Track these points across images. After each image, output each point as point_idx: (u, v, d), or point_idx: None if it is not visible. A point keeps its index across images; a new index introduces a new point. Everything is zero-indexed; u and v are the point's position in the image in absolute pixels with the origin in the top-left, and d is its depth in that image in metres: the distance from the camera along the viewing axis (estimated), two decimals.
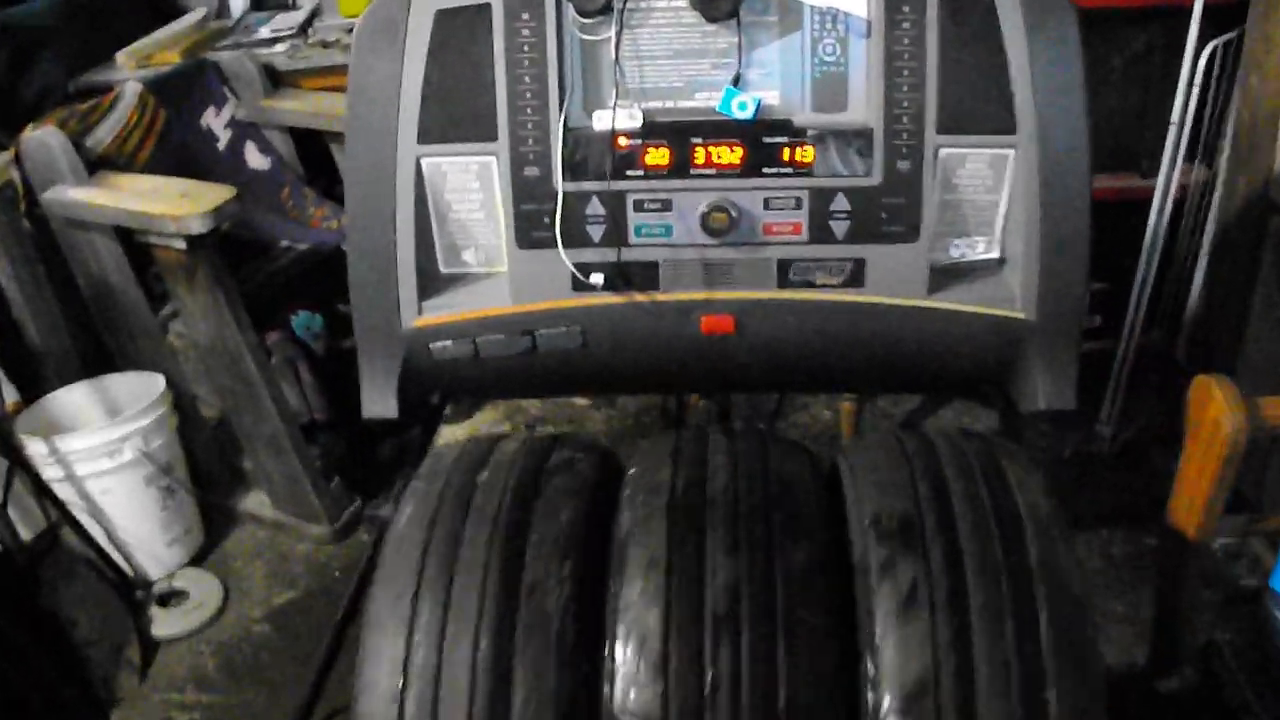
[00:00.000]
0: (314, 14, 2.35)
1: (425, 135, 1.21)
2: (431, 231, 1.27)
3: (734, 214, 1.20)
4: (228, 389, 2.07)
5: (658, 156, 1.20)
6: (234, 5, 2.67)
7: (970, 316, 1.26)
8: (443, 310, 1.27)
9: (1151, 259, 2.18)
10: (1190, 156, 2.13)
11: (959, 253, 1.29)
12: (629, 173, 1.20)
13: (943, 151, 1.20)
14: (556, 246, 1.22)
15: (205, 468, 2.27)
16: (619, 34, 1.18)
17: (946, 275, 1.27)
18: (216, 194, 1.84)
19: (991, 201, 1.25)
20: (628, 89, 1.20)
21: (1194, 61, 1.98)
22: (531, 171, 1.21)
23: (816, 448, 1.19)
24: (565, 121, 1.19)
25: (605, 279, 1.23)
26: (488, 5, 1.17)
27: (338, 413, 2.22)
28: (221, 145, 2.24)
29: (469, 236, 1.28)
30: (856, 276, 1.25)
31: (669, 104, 1.21)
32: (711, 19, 1.17)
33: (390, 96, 1.20)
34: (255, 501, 2.28)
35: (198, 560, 2.23)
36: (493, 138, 1.20)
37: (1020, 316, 1.25)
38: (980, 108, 1.19)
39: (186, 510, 2.19)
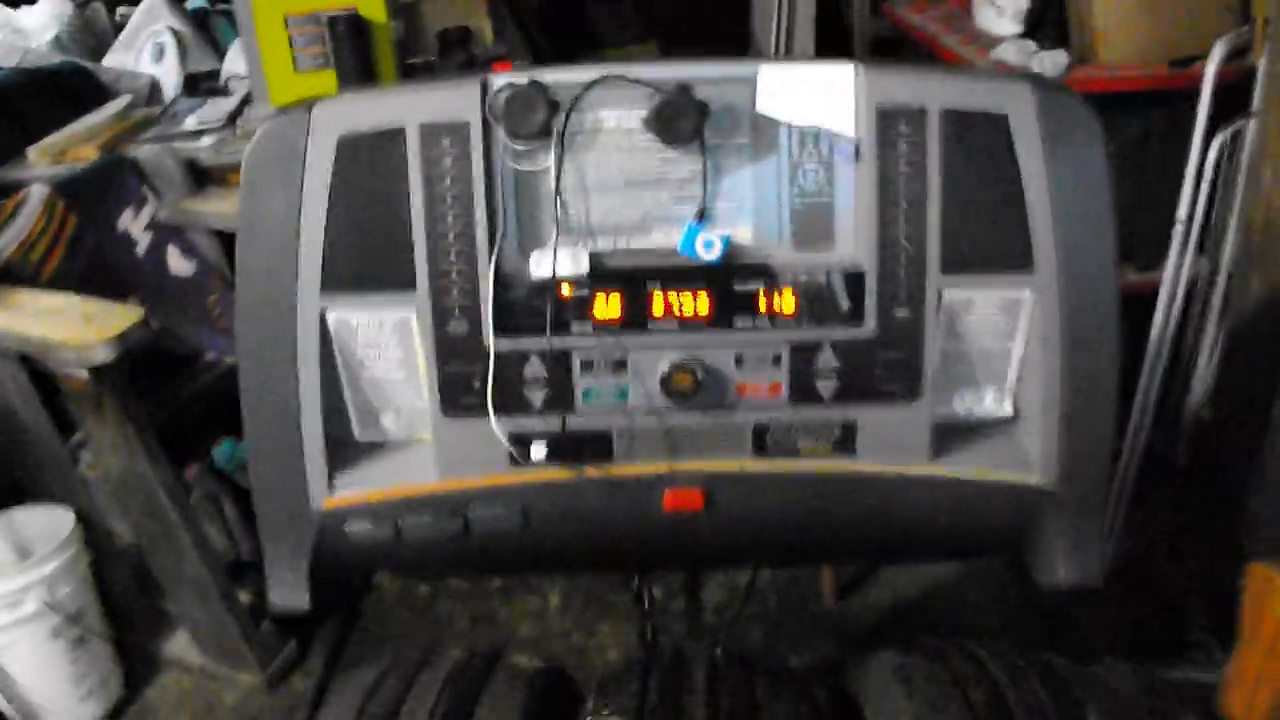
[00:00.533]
0: (244, 102, 2.16)
1: (330, 284, 1.01)
2: (342, 395, 1.07)
3: (700, 375, 1.01)
4: (143, 527, 1.85)
5: (608, 307, 1.01)
6: (166, 88, 2.49)
7: (979, 485, 1.07)
8: (358, 487, 1.07)
9: (1158, 361, 2.00)
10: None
11: (965, 408, 1.10)
12: (575, 327, 1.01)
13: (948, 294, 1.02)
14: (488, 415, 1.02)
15: (123, 607, 2.04)
16: (560, 161, 0.99)
17: (950, 435, 1.08)
18: (123, 318, 1.63)
19: (1003, 349, 1.06)
20: (571, 227, 1.01)
21: (1203, 152, 1.82)
22: (458, 327, 1.01)
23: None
24: (497, 267, 0.99)
25: (549, 451, 1.03)
26: (400, 130, 0.98)
27: None
28: (141, 250, 2.04)
29: (387, 400, 1.08)
30: (846, 442, 1.06)
31: (621, 244, 1.02)
32: (670, 142, 0.99)
33: (287, 239, 1.00)
34: (179, 646, 2.05)
35: (116, 714, 1.99)
36: (410, 287, 1.00)
37: (1037, 483, 1.06)
38: (992, 242, 1.00)
39: (101, 660, 1.95)
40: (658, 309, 1.01)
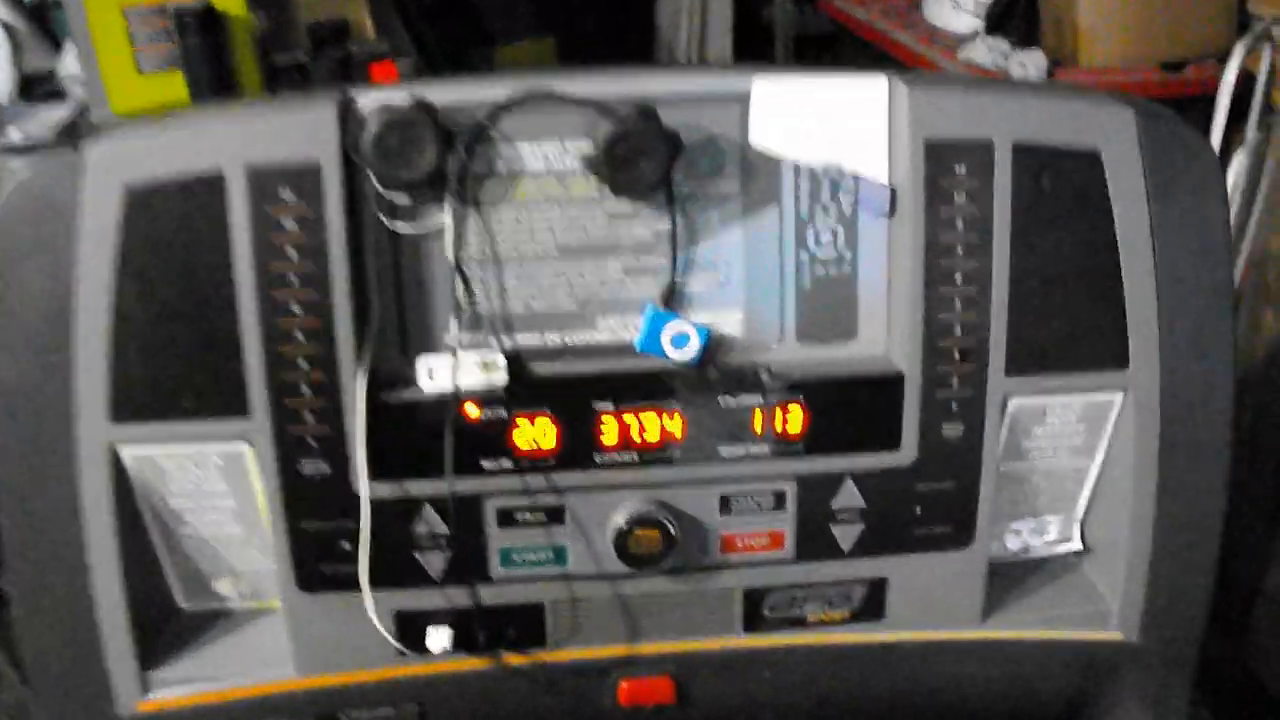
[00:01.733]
0: (82, 111, 1.78)
1: (123, 409, 0.67)
2: (155, 556, 0.73)
3: (672, 529, 0.70)
4: None
5: (536, 434, 0.69)
6: None
7: (1039, 645, 0.78)
8: (184, 685, 0.74)
9: None
10: None
11: (1020, 543, 0.81)
12: (487, 463, 0.69)
13: (1015, 403, 0.72)
14: (392, 585, 0.71)
15: None
16: (460, 221, 0.67)
17: (1001, 580, 0.78)
18: None
19: (1077, 468, 0.78)
20: (479, 316, 0.69)
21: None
22: (314, 466, 0.68)
23: None
24: (370, 379, 0.67)
25: (454, 637, 0.71)
26: (217, 177, 0.65)
27: None
28: None
29: (220, 562, 0.75)
30: (873, 605, 0.76)
31: (553, 340, 0.70)
32: (625, 191, 0.67)
33: (55, 342, 0.66)
34: None
35: None
36: (243, 411, 0.67)
37: (1115, 638, 0.78)
38: (1076, 329, 0.72)
39: None
40: (608, 435, 0.69)
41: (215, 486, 0.71)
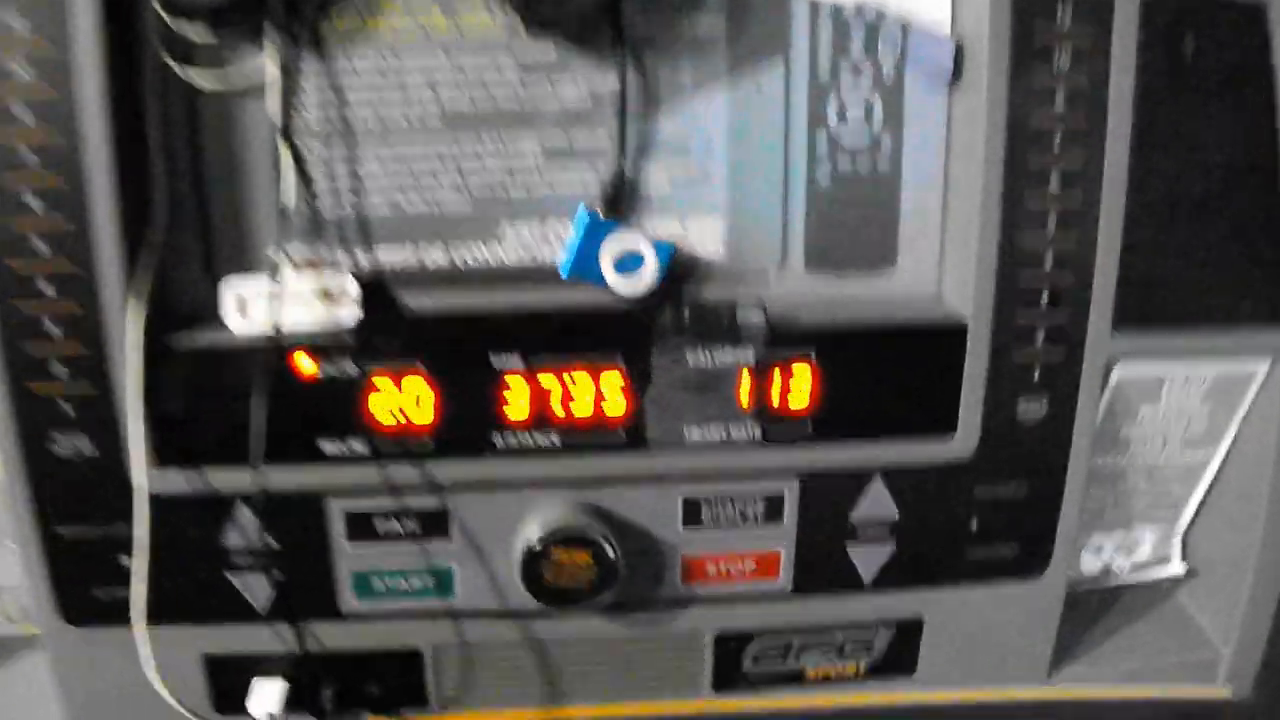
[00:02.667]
0: None
1: None
2: None
3: (609, 549, 0.46)
4: None
5: (405, 402, 0.45)
6: None
7: (1122, 709, 0.56)
8: None
9: None
10: None
11: (1101, 563, 0.59)
12: (329, 444, 0.45)
13: (1121, 370, 0.49)
14: (196, 618, 0.48)
15: None
16: (291, 71, 0.43)
17: (1074, 614, 0.56)
18: None
19: (1190, 467, 0.55)
20: (321, 218, 0.45)
21: None
22: (72, 446, 0.45)
23: None
24: (152, 314, 0.42)
25: (291, 692, 0.48)
26: None
27: None
28: None
29: None
30: (901, 656, 0.53)
31: (434, 258, 0.46)
32: (549, 28, 0.43)
33: None
34: None
35: None
36: None
37: (1221, 695, 0.57)
38: (1216, 269, 0.48)
39: None
40: (515, 406, 0.45)
41: None
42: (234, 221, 0.45)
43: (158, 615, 0.47)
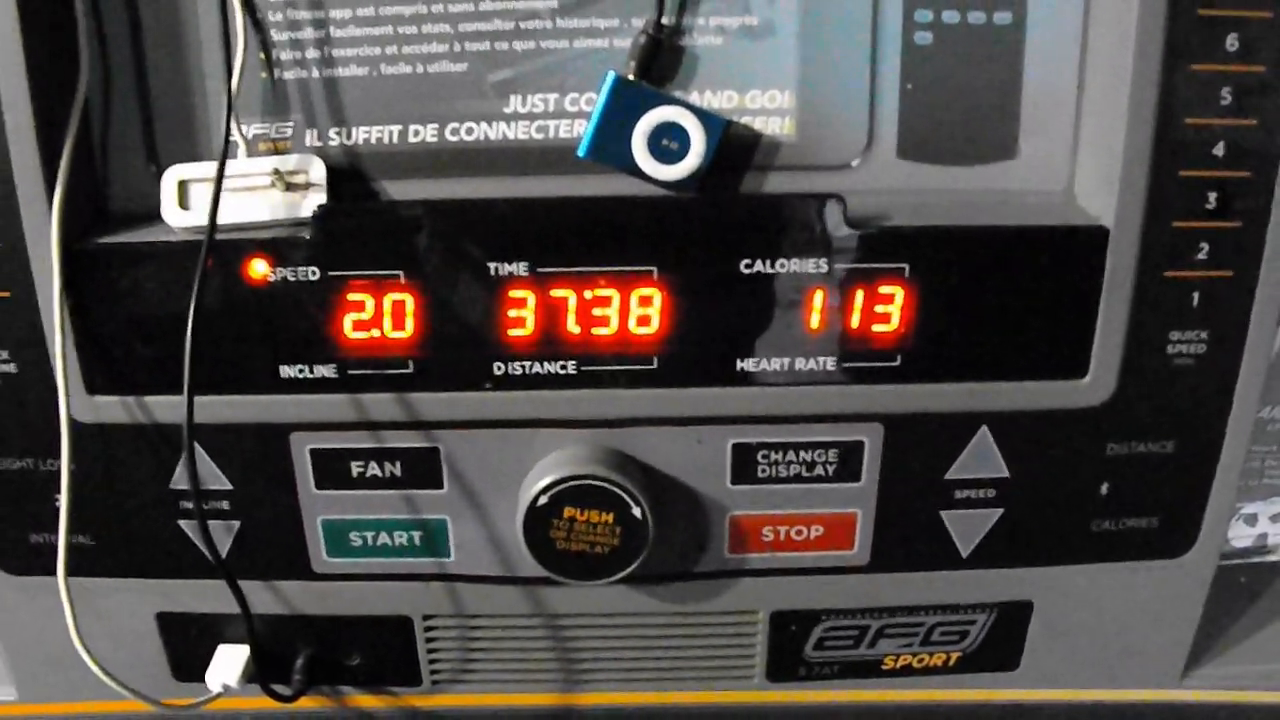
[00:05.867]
0: None
1: None
2: None
3: (637, 508, 0.37)
4: None
5: (383, 315, 0.35)
6: None
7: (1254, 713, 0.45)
8: None
9: None
10: None
11: (1252, 536, 0.48)
12: (289, 368, 0.36)
13: None
14: (151, 571, 0.41)
15: None
16: None
17: (1214, 599, 0.45)
18: None
19: None
20: (282, 84, 0.35)
21: None
22: None
23: None
24: (74, 204, 0.33)
25: (255, 663, 0.40)
26: None
27: None
28: None
29: None
30: (1002, 646, 0.43)
31: (421, 134, 0.36)
32: None
33: None
34: None
35: None
36: None
37: None
38: None
39: None
40: (520, 324, 0.36)
41: None
42: (175, 91, 0.36)
43: (105, 567, 0.39)
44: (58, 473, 0.37)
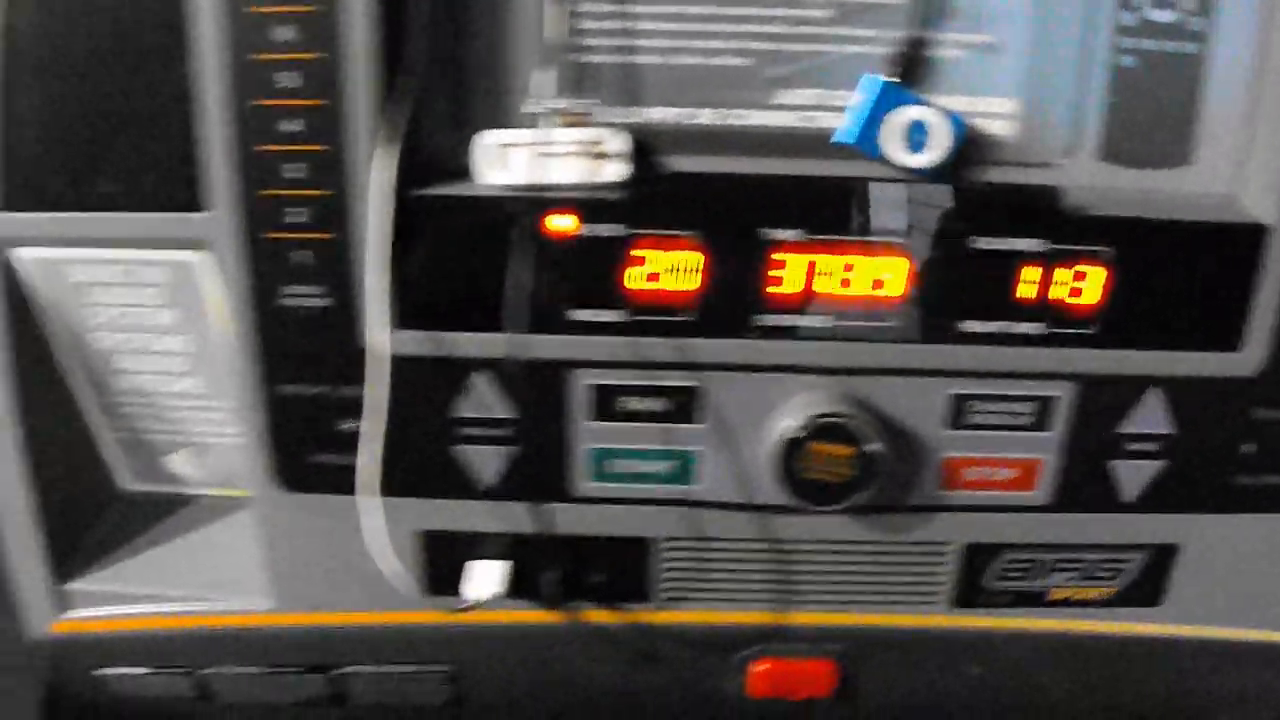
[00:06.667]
0: None
1: (16, 193, 0.42)
2: (79, 418, 0.49)
3: (873, 444, 0.43)
4: None
5: (669, 270, 0.42)
6: None
7: None
8: (116, 603, 0.51)
9: None
10: None
11: None
12: (582, 312, 0.42)
13: None
14: (418, 491, 0.47)
15: None
16: None
17: None
18: None
19: None
20: (588, 67, 0.42)
21: None
22: (305, 298, 0.42)
23: None
24: (402, 162, 0.40)
25: (512, 580, 0.46)
26: None
27: None
28: None
29: (173, 426, 0.50)
30: (1148, 584, 0.49)
31: (707, 116, 0.43)
32: None
33: None
34: None
35: None
36: (192, 202, 0.42)
37: None
38: None
39: None
40: (785, 282, 0.42)
41: (157, 318, 0.45)
42: (491, 67, 0.42)
43: (382, 487, 0.45)
44: (347, 399, 0.43)
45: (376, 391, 0.42)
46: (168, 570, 0.51)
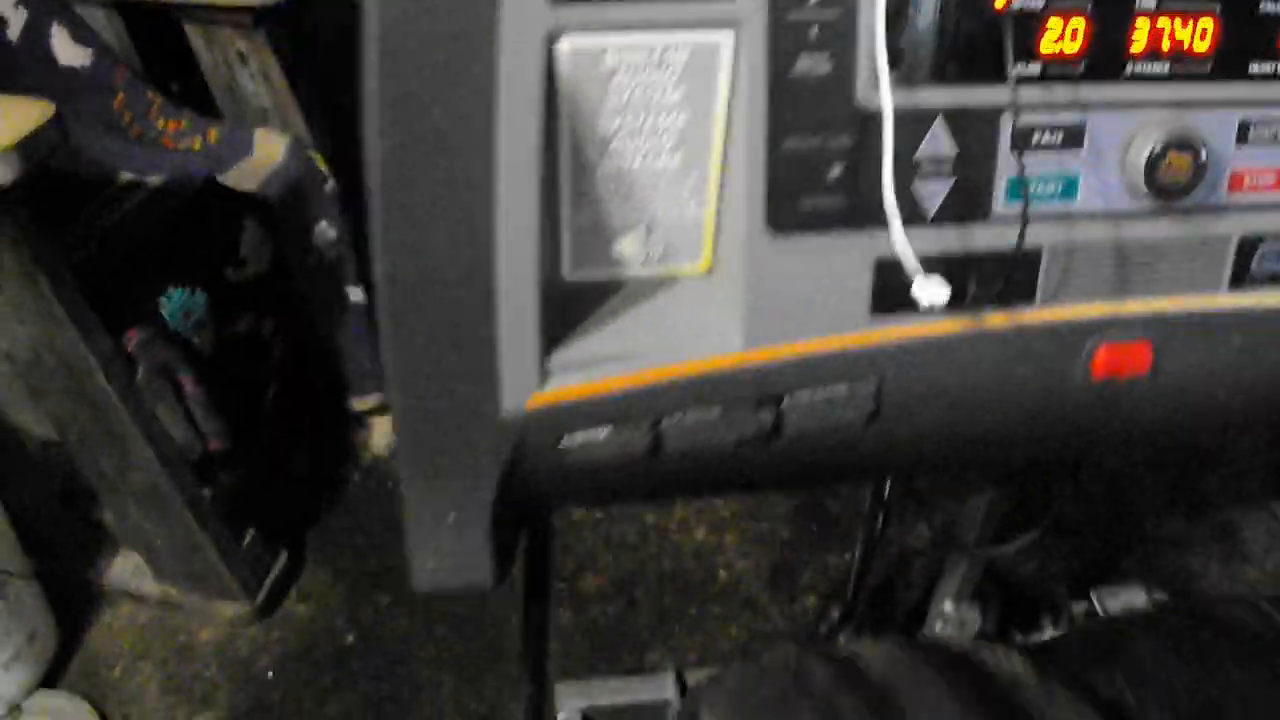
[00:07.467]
0: None
1: None
2: (562, 201, 0.60)
3: (1203, 153, 0.61)
4: (71, 420, 1.34)
5: (1067, 34, 0.58)
6: None
7: None
8: (591, 367, 0.61)
9: None
10: None
11: None
12: (1007, 68, 0.57)
13: None
14: (850, 230, 0.60)
15: (47, 528, 1.53)
16: None
17: None
18: (24, 116, 1.09)
19: None
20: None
21: None
22: (812, 66, 0.56)
23: None
24: None
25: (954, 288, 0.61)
26: None
27: (241, 436, 1.51)
28: (12, 33, 1.44)
29: (634, 209, 0.62)
30: None
31: None
32: None
33: None
34: (129, 570, 1.57)
35: (53, 677, 1.50)
36: None
37: None
38: None
39: (25, 607, 1.45)
40: (1139, 40, 0.59)
41: (669, 96, 0.58)
42: None
43: (842, 221, 0.59)
44: (835, 150, 0.56)
45: (888, 143, 0.55)
46: (638, 331, 0.62)
